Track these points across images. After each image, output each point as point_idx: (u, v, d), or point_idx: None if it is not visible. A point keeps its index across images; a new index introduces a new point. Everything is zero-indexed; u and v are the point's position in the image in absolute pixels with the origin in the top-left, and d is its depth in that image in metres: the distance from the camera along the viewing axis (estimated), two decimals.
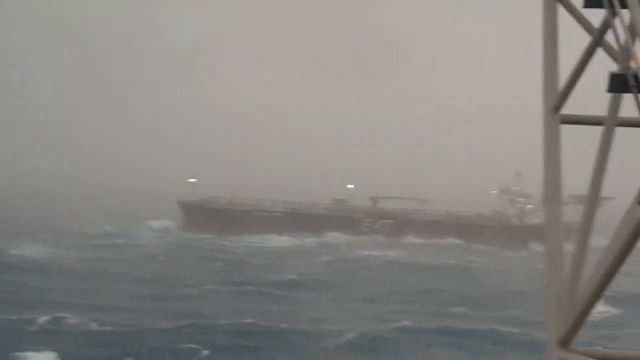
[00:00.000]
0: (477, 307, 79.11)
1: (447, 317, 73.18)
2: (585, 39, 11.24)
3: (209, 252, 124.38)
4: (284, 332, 62.65)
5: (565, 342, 9.63)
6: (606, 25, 10.31)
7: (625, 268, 8.94)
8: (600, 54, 11.16)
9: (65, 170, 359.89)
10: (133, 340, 58.66)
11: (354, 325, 65.23)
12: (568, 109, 11.46)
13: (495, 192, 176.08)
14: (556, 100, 11.37)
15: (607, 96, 10.25)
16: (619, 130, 10.73)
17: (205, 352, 56.20)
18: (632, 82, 8.61)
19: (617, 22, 9.46)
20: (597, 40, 10.86)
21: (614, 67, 10.23)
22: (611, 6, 9.55)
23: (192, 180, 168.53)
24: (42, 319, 63.44)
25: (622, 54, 9.64)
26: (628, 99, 9.06)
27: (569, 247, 10.26)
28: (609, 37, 10.50)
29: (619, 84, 8.90)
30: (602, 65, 10.40)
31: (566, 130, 11.51)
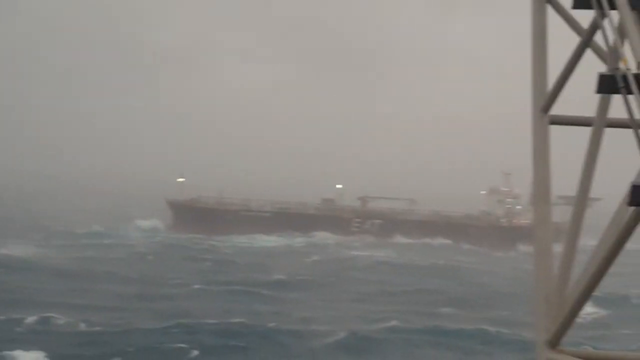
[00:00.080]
0: (466, 308, 79.21)
1: (436, 317, 73.27)
2: (574, 40, 11.25)
3: (198, 252, 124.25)
4: (273, 332, 62.62)
5: (553, 343, 9.63)
6: (595, 26, 10.32)
7: (613, 269, 8.95)
8: (589, 54, 11.18)
9: (52, 170, 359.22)
10: (121, 340, 58.56)
11: (342, 325, 65.25)
12: (557, 110, 11.47)
13: (484, 192, 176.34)
14: (545, 101, 11.38)
15: (596, 97, 10.26)
16: (608, 132, 10.74)
17: (195, 353, 56.16)
18: (620, 83, 8.61)
19: (606, 23, 9.46)
20: (586, 41, 10.87)
21: (602, 67, 10.25)
22: (600, 7, 9.56)
23: (180, 179, 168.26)
24: (30, 319, 63.27)
25: (610, 55, 9.65)
26: (617, 100, 9.07)
27: (558, 248, 10.27)
28: (598, 38, 10.51)
29: (607, 84, 8.91)
30: (592, 66, 10.41)
31: (555, 130, 11.52)
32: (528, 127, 11.45)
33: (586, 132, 10.96)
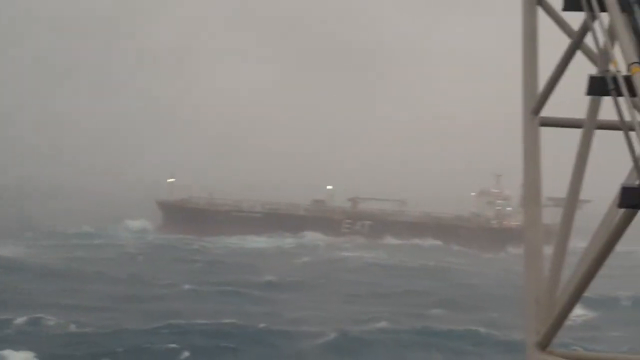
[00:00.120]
0: (456, 309, 79.26)
1: (426, 318, 73.31)
2: (564, 42, 11.27)
3: (188, 253, 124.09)
4: (263, 333, 62.61)
5: (543, 345, 9.65)
6: (585, 28, 10.34)
7: (602, 271, 8.96)
8: (579, 56, 11.19)
9: (42, 171, 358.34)
10: (111, 340, 58.48)
11: (332, 326, 65.23)
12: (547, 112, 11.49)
13: (474, 194, 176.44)
14: (535, 103, 11.39)
15: (587, 99, 10.28)
16: (597, 133, 10.76)
17: (186, 354, 56.13)
18: (611, 85, 8.62)
19: (596, 25, 9.48)
20: (577, 43, 10.88)
21: (593, 70, 10.27)
22: (590, 9, 9.57)
23: (170, 180, 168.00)
24: (20, 320, 63.09)
25: (601, 57, 9.67)
26: (607, 102, 9.08)
27: (548, 250, 10.28)
28: (588, 40, 10.53)
29: (598, 86, 8.92)
30: (582, 68, 10.43)
31: (545, 132, 11.53)
32: (519, 128, 11.46)
33: (576, 133, 10.98)
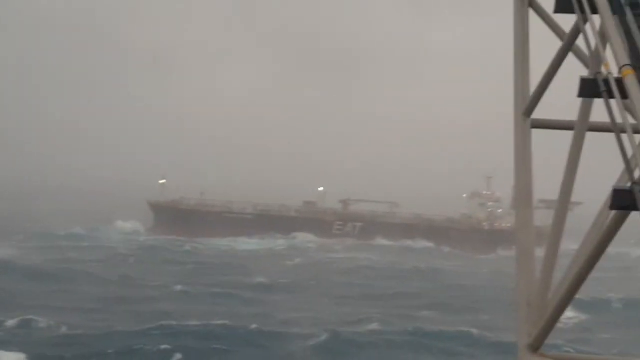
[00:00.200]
0: (447, 310, 79.34)
1: (418, 319, 73.33)
2: (556, 44, 11.27)
3: (179, 254, 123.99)
4: (255, 335, 62.56)
5: (535, 347, 9.64)
6: (577, 30, 10.34)
7: (594, 273, 8.95)
8: (571, 58, 11.20)
9: (32, 172, 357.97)
10: (102, 342, 58.38)
11: (324, 327, 65.21)
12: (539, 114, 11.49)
13: (465, 196, 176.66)
14: (527, 105, 11.40)
15: (578, 101, 10.28)
16: (589, 136, 10.76)
17: (178, 356, 56.08)
18: (602, 87, 8.61)
19: (587, 27, 9.48)
20: (568, 45, 10.89)
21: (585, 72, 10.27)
22: (582, 11, 9.57)
23: (162, 181, 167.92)
24: (11, 322, 62.96)
25: (592, 59, 9.67)
26: (599, 104, 9.08)
27: (539, 252, 10.27)
28: (580, 42, 10.53)
29: (589, 89, 8.91)
30: (574, 70, 10.43)
31: (536, 134, 11.53)
32: (510, 130, 11.46)
33: (566, 135, 10.98)
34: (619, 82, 8.50)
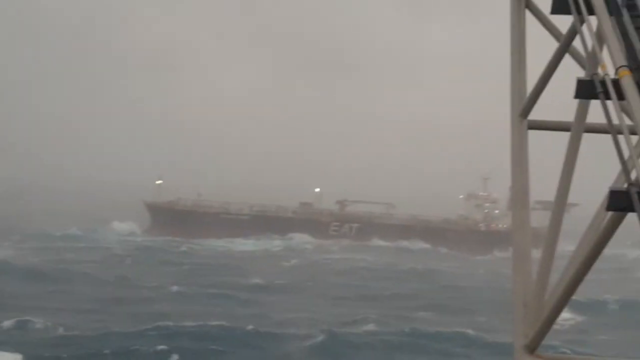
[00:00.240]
0: (444, 311, 79.34)
1: (414, 320, 73.31)
2: (552, 45, 11.26)
3: (176, 255, 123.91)
4: (251, 335, 62.54)
5: (532, 348, 9.63)
6: (574, 31, 10.32)
7: (589, 274, 8.94)
8: (567, 59, 11.18)
9: (28, 173, 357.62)
10: (99, 343, 58.34)
11: (320, 328, 65.19)
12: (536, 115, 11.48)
13: (462, 197, 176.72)
14: (523, 106, 11.38)
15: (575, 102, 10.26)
16: (586, 137, 10.75)
17: (175, 357, 56.08)
18: (599, 89, 8.60)
19: (584, 28, 9.46)
20: (565, 46, 10.88)
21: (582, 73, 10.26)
22: (579, 12, 9.55)
23: (158, 182, 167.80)
24: (8, 323, 62.90)
25: (589, 60, 9.66)
26: (595, 105, 9.07)
27: (535, 253, 10.26)
28: (577, 43, 10.51)
29: (586, 90, 8.89)
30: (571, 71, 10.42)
31: (532, 135, 11.53)
32: (507, 131, 11.45)
33: (560, 136, 10.97)
34: (616, 83, 8.49)
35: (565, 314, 63.70)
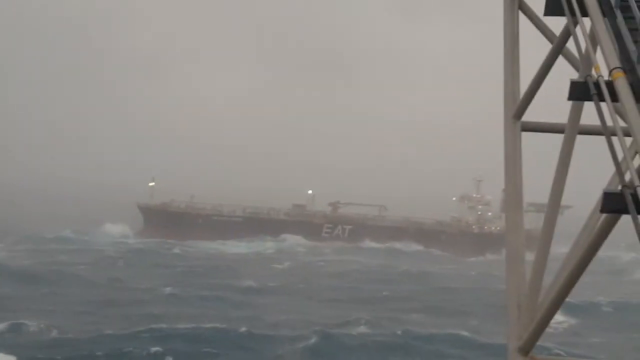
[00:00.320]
0: (437, 313, 79.33)
1: (407, 322, 73.28)
2: (546, 47, 11.25)
3: (169, 257, 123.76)
4: (245, 337, 62.50)
5: (525, 350, 9.61)
6: (567, 33, 10.31)
7: (582, 277, 8.92)
8: (561, 61, 11.17)
9: (20, 175, 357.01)
10: (93, 345, 58.27)
11: (313, 330, 65.14)
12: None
13: (455, 199, 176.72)
14: (517, 108, 11.37)
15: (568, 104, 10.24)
16: (579, 138, 10.73)
17: (169, 359, 56.09)
18: (593, 90, 8.57)
19: (578, 30, 9.45)
20: (558, 48, 10.86)
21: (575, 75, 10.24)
22: (572, 14, 9.53)
23: (151, 184, 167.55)
24: (1, 326, 62.78)
25: (583, 62, 9.64)
26: (589, 107, 9.04)
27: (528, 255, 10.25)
28: (570, 44, 10.50)
29: (579, 91, 8.87)
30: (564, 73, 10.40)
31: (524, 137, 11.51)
32: (500, 132, 11.43)
33: (550, 138, 10.96)
34: (610, 85, 8.47)
35: (559, 317, 63.72)
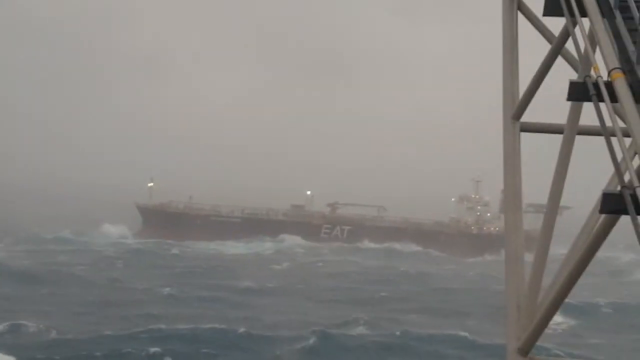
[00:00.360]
0: (436, 314, 79.33)
1: (406, 322, 73.25)
2: (545, 47, 11.24)
3: (167, 258, 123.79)
4: (243, 338, 62.48)
5: (524, 351, 9.60)
6: (566, 33, 10.30)
7: (582, 278, 8.91)
8: (560, 62, 11.16)
9: (19, 175, 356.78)
10: (92, 345, 58.26)
11: (312, 331, 65.11)
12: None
13: (454, 199, 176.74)
14: (516, 109, 11.36)
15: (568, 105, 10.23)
16: (578, 139, 10.72)
17: (168, 359, 56.13)
18: (592, 91, 8.56)
19: (577, 30, 9.44)
20: (557, 48, 10.85)
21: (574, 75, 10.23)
22: (571, 14, 9.52)
23: (150, 184, 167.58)
24: (0, 326, 62.76)
25: (582, 63, 9.63)
26: (588, 107, 9.03)
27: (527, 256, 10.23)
28: (569, 45, 10.49)
29: (578, 92, 8.85)
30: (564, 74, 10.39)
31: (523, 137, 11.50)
32: (499, 133, 11.42)
33: (547, 138, 10.95)
34: (609, 85, 8.46)
35: (558, 317, 63.75)
